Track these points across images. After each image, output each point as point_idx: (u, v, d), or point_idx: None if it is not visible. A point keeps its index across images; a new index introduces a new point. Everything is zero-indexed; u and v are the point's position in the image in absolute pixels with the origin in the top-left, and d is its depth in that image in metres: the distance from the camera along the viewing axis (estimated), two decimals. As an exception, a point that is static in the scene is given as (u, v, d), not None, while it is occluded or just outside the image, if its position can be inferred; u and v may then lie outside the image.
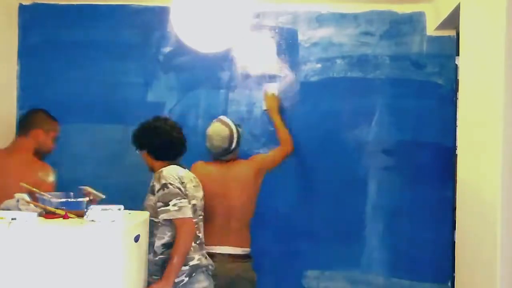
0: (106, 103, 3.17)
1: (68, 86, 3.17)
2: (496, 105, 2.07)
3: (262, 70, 3.19)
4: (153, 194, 2.41)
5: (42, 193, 2.17)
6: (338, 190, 3.13)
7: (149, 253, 2.37)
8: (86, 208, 2.05)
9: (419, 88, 3.12)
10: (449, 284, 3.06)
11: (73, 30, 3.19)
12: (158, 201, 2.37)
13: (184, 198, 2.38)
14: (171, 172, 2.43)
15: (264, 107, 3.14)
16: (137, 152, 2.62)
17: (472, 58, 2.45)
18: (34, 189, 2.19)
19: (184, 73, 3.20)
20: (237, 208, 2.78)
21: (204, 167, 2.83)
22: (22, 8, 3.20)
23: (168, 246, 2.39)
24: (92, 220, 1.95)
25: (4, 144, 2.74)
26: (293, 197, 3.15)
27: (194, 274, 2.42)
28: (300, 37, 3.19)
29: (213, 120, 2.87)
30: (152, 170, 2.57)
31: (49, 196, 2.14)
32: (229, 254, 2.72)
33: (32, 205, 2.08)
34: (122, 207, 2.02)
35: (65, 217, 2.02)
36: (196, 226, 2.46)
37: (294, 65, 3.18)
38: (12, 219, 1.89)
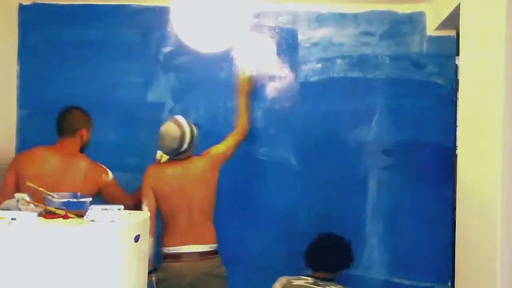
0: (106, 103, 3.17)
1: (68, 86, 3.17)
2: (496, 105, 2.07)
3: (262, 70, 3.19)
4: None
5: (49, 192, 2.17)
6: (338, 190, 3.13)
7: None
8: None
9: (419, 88, 3.12)
10: (449, 284, 3.06)
11: (73, 30, 3.19)
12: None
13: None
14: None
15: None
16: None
17: (472, 58, 2.45)
18: (41, 188, 2.19)
19: (184, 73, 3.20)
20: (197, 205, 2.75)
21: (157, 170, 2.80)
22: (22, 8, 3.20)
23: None
24: (92, 220, 1.95)
25: (4, 144, 2.75)
26: (293, 197, 3.15)
27: None
28: (300, 37, 3.19)
29: (169, 118, 2.85)
30: None
31: (56, 196, 2.14)
32: (196, 252, 2.71)
33: (32, 205, 2.08)
34: (122, 207, 2.03)
35: (65, 217, 2.02)
36: None
37: (294, 65, 3.18)
38: (12, 219, 1.89)
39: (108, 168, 2.80)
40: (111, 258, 1.86)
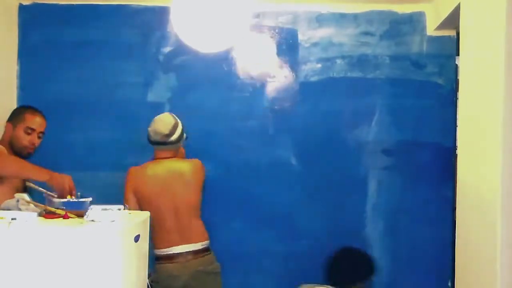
0: (106, 103, 3.17)
1: (68, 86, 3.17)
2: (496, 105, 2.07)
3: (262, 70, 3.19)
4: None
5: (49, 192, 2.17)
6: (338, 190, 3.13)
7: None
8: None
9: (419, 88, 3.13)
10: (449, 284, 3.06)
11: (73, 30, 3.18)
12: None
13: None
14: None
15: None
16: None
17: (472, 58, 2.45)
18: (41, 189, 2.19)
19: (184, 73, 3.20)
20: (183, 204, 2.72)
21: (139, 171, 2.76)
22: (22, 8, 3.20)
23: None
24: (92, 220, 1.95)
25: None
26: (293, 197, 3.15)
27: None
28: (300, 37, 3.19)
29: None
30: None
31: (56, 196, 2.14)
32: (188, 252, 2.69)
33: (32, 205, 2.08)
34: (122, 207, 2.03)
35: (65, 217, 2.02)
36: None
37: (294, 65, 3.18)
38: (12, 219, 1.89)
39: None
40: (111, 258, 1.86)
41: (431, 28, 3.11)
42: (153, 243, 2.70)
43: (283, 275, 3.13)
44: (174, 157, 2.81)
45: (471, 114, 2.44)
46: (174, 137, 2.74)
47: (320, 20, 3.19)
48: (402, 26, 3.15)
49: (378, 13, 3.15)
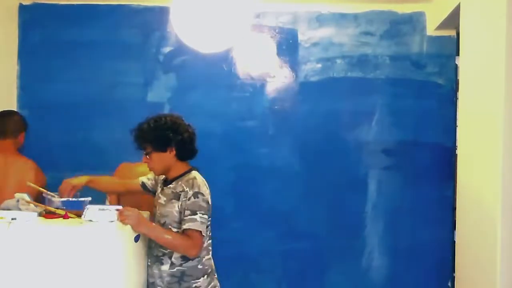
0: (106, 103, 3.17)
1: (68, 86, 3.17)
2: (496, 105, 2.07)
3: (262, 70, 3.19)
4: (178, 199, 2.18)
5: (49, 192, 2.17)
6: (338, 190, 3.13)
7: (162, 263, 2.18)
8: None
9: (419, 88, 3.13)
10: (449, 284, 3.06)
11: (73, 30, 3.18)
12: (187, 209, 2.14)
13: (207, 214, 2.21)
14: (204, 182, 2.25)
15: None
16: (143, 152, 2.29)
17: (472, 58, 2.45)
18: (42, 188, 2.19)
19: (184, 73, 3.20)
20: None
21: (127, 167, 2.73)
22: (22, 8, 3.20)
23: (187, 258, 2.18)
24: (90, 220, 1.95)
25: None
26: (293, 197, 3.15)
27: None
28: (300, 37, 3.19)
29: None
30: (165, 173, 2.30)
31: (56, 196, 2.14)
32: None
33: (32, 205, 2.08)
34: (120, 207, 2.02)
35: (65, 217, 2.02)
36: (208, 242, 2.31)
37: (294, 65, 3.18)
38: (12, 219, 1.89)
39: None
40: (111, 258, 1.86)
41: (431, 28, 3.11)
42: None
43: (283, 275, 3.13)
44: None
45: (471, 114, 2.44)
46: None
47: (320, 20, 3.19)
48: (402, 26, 3.15)
49: (378, 13, 3.15)
